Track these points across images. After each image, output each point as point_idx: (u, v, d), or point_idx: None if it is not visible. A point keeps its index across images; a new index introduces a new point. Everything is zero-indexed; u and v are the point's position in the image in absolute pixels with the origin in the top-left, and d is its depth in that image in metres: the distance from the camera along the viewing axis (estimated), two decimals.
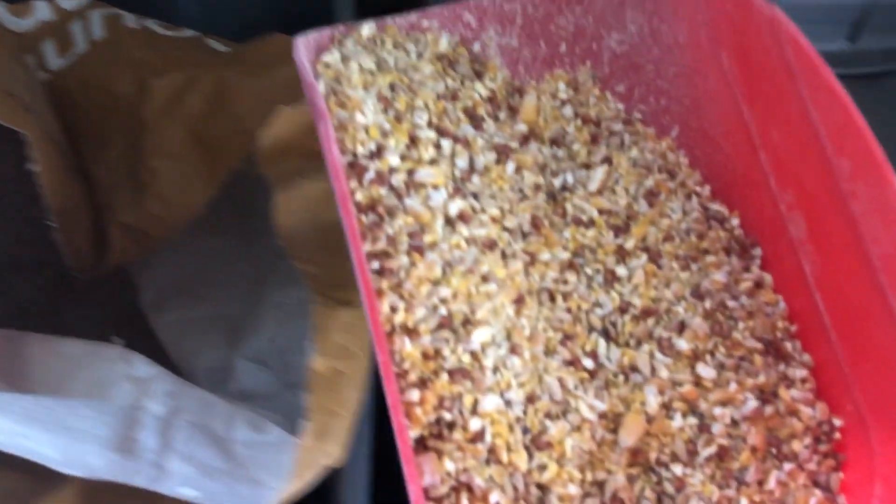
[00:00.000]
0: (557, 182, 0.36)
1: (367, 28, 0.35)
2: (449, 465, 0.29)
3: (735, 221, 0.36)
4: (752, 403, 0.32)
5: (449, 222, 0.32)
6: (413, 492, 0.26)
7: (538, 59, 0.38)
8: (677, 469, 0.32)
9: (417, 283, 0.30)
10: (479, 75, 0.37)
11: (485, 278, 0.31)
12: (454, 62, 0.36)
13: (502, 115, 0.36)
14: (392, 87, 0.34)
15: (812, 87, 0.29)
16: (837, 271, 0.31)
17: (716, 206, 0.36)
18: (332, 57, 0.33)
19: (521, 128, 0.36)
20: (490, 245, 0.32)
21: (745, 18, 0.31)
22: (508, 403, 0.30)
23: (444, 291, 0.30)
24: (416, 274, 0.30)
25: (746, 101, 0.33)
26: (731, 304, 0.34)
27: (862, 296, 0.30)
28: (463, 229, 0.32)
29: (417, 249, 0.30)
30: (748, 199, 0.35)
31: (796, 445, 0.32)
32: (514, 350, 0.31)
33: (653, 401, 0.32)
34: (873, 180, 0.27)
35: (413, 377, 0.29)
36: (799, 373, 0.33)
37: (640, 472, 0.32)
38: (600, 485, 0.31)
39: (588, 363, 0.33)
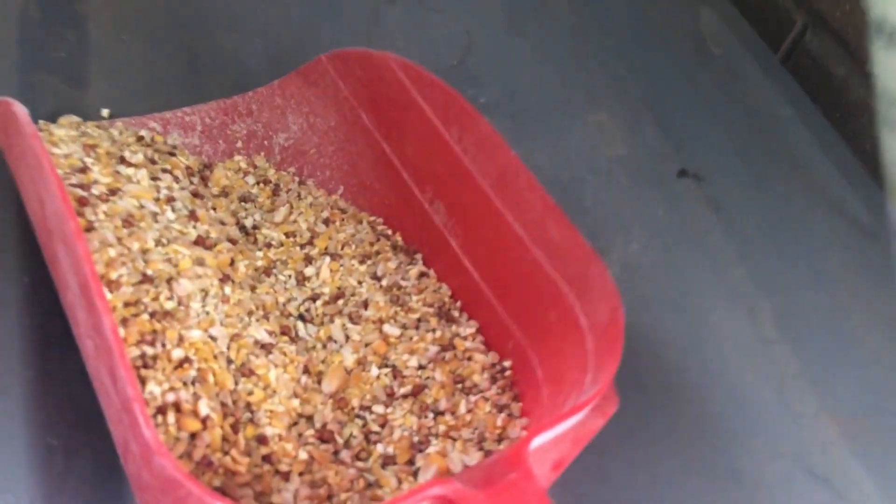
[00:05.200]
0: (248, 222, 0.42)
1: (70, 117, 0.42)
2: (154, 388, 0.30)
3: (398, 237, 0.43)
4: (434, 349, 0.38)
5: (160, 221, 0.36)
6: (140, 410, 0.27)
7: (218, 152, 0.46)
8: (379, 409, 0.35)
9: (125, 249, 0.33)
10: (171, 155, 0.43)
11: (197, 260, 0.35)
12: (151, 144, 0.43)
13: (196, 180, 0.43)
14: (94, 145, 0.39)
15: (423, 89, 0.40)
16: (474, 230, 0.39)
17: (381, 227, 0.44)
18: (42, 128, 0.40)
19: (215, 190, 0.43)
20: (200, 241, 0.37)
21: (371, 71, 0.42)
22: (213, 338, 0.33)
23: (155, 256, 0.34)
24: (126, 241, 0.34)
25: (385, 139, 0.43)
26: (403, 283, 0.40)
27: (492, 236, 0.38)
28: (175, 224, 0.36)
29: (127, 224, 0.34)
30: (404, 219, 0.43)
31: (477, 379, 0.37)
32: (222, 300, 0.34)
33: (349, 358, 0.36)
34: (471, 128, 0.38)
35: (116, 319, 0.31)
36: (468, 331, 0.39)
37: (347, 419, 0.35)
38: (309, 418, 0.33)
39: (286, 338, 0.36)
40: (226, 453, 0.30)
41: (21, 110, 0.33)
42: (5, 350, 0.35)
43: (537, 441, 0.28)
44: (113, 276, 0.32)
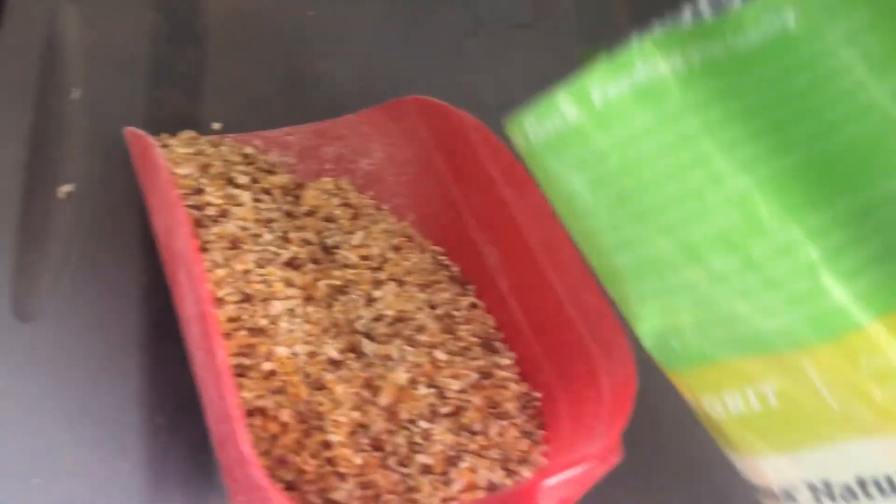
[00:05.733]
0: (330, 241, 0.49)
1: (188, 132, 0.49)
2: (247, 395, 0.37)
3: (455, 269, 0.50)
4: (474, 376, 0.44)
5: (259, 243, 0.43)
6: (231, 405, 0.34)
7: (310, 171, 0.53)
8: (423, 424, 0.42)
9: (231, 270, 0.40)
10: (270, 173, 0.50)
11: (287, 281, 0.42)
12: (254, 161, 0.50)
13: (289, 199, 0.49)
14: (208, 165, 0.46)
15: (491, 151, 0.45)
16: (521, 278, 0.45)
17: (441, 258, 0.50)
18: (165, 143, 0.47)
19: (304, 208, 0.49)
20: (290, 262, 0.44)
21: (448, 124, 0.48)
22: (295, 354, 0.40)
23: (254, 277, 0.41)
24: (232, 263, 0.41)
25: (454, 183, 0.49)
26: (455, 313, 0.47)
27: (536, 287, 0.44)
28: (271, 246, 0.43)
29: (233, 246, 0.41)
30: (462, 253, 0.50)
31: (508, 406, 0.44)
32: (304, 320, 0.41)
33: (402, 377, 0.43)
34: (527, 195, 0.43)
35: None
36: (506, 361, 0.46)
37: (397, 428, 0.42)
38: (366, 427, 0.40)
39: (353, 354, 0.43)
40: (297, 454, 0.37)
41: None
42: (128, 340, 0.42)
43: (548, 483, 0.34)
44: (220, 294, 0.40)
